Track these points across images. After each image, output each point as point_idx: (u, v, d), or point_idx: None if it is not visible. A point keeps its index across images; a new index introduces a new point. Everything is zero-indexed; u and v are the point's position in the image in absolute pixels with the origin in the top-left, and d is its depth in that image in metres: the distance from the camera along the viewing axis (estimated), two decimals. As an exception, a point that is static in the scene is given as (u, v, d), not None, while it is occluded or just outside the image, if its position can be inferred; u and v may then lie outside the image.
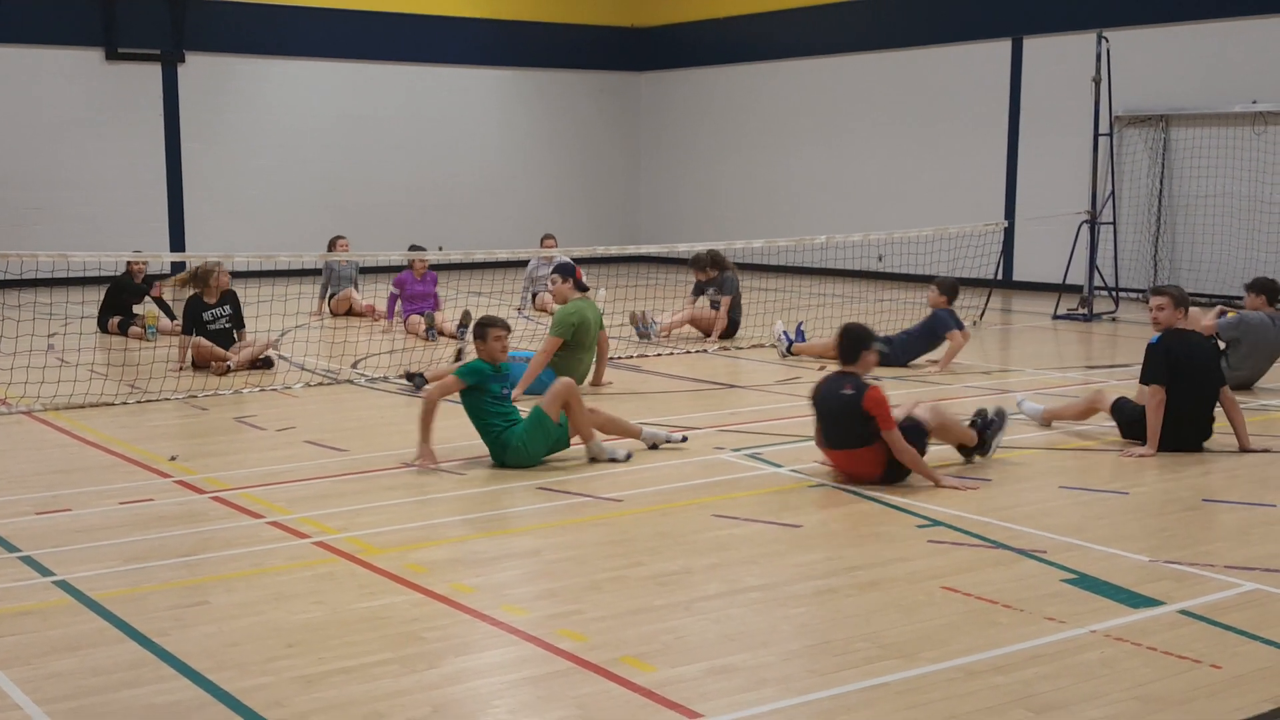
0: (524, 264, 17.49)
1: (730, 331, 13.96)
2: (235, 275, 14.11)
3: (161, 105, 21.47)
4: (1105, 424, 8.95)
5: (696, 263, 14.30)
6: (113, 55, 21.03)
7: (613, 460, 8.11)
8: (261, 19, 22.24)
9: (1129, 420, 8.58)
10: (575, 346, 10.47)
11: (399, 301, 14.90)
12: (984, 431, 8.07)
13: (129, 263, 14.71)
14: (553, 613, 5.39)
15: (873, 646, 4.98)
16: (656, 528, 6.68)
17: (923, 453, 7.55)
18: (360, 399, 10.58)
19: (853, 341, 7.64)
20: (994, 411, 8.19)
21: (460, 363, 9.94)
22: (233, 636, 5.12)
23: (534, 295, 17.06)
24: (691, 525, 6.74)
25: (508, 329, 8.18)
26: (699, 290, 14.36)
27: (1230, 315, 10.93)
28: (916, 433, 7.58)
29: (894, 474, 7.50)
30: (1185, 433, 8.36)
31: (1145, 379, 8.40)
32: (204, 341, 11.82)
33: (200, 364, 11.77)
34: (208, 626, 5.23)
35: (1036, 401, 9.57)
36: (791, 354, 12.50)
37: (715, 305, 14.06)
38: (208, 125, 21.84)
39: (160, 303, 14.73)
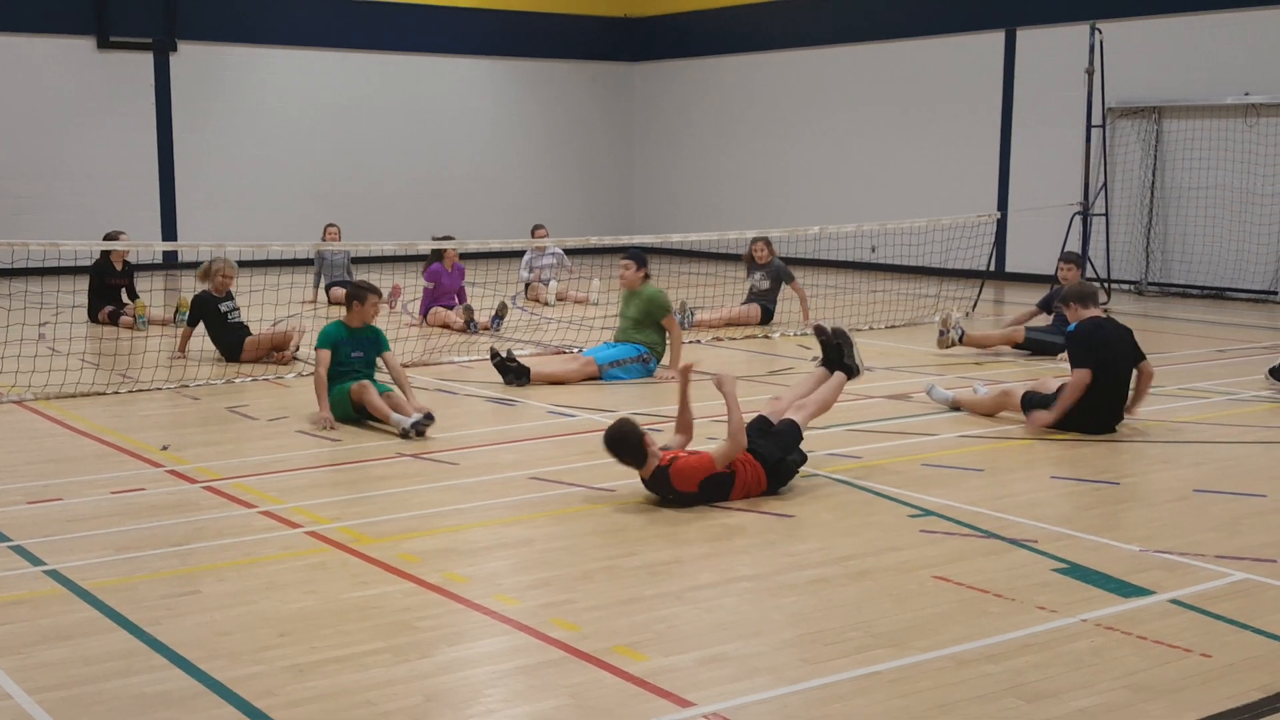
0: (517, 254, 17.47)
1: (765, 319, 14.24)
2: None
3: (153, 94, 21.40)
4: (1016, 421, 8.94)
5: (753, 245, 14.59)
6: (104, 44, 20.95)
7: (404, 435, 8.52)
8: (254, 7, 22.17)
9: (1039, 408, 8.71)
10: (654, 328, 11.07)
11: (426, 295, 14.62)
12: (839, 362, 7.96)
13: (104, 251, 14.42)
14: (545, 602, 5.39)
15: (864, 636, 4.99)
16: (649, 517, 6.69)
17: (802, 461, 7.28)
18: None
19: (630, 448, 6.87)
20: (831, 330, 8.05)
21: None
22: (224, 626, 5.11)
23: (526, 286, 17.06)
24: (683, 515, 6.74)
25: (380, 295, 9.23)
26: (750, 268, 14.57)
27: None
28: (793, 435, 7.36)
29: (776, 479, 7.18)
30: (1103, 415, 8.61)
31: (1075, 364, 8.66)
32: (261, 333, 11.87)
33: (251, 358, 11.68)
34: (199, 616, 5.23)
35: (946, 389, 9.59)
36: (963, 343, 12.22)
37: (759, 292, 14.38)
38: (200, 114, 21.77)
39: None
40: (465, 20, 24.06)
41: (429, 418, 8.57)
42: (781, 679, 4.58)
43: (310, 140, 22.71)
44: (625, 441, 6.80)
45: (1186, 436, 8.60)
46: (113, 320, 14.23)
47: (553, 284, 16.61)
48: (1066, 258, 12.45)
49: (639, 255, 11.14)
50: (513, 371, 10.55)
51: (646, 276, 11.14)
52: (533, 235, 16.78)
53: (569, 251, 17.76)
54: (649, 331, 11.04)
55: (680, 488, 6.77)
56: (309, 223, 20.38)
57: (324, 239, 16.13)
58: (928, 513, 6.73)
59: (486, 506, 7.00)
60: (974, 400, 9.37)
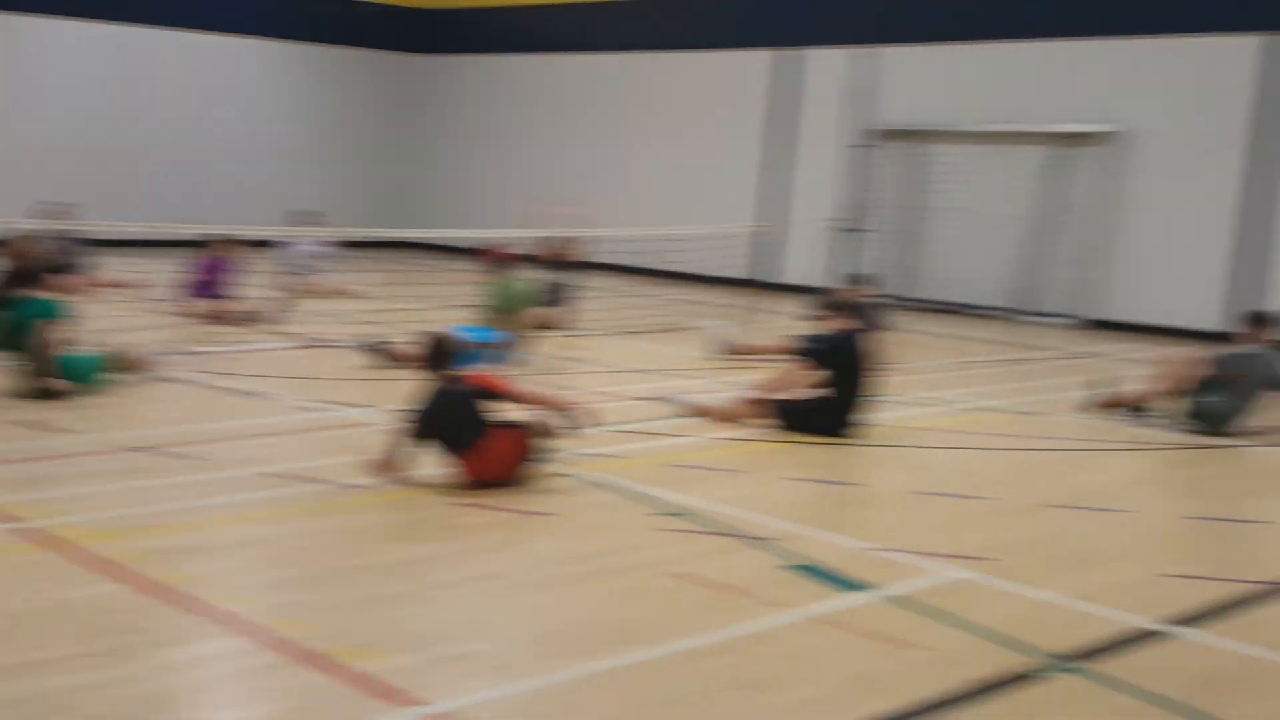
0: (287, 244, 17.10)
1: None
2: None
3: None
4: (764, 425, 9.26)
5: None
6: None
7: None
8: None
9: (787, 415, 9.12)
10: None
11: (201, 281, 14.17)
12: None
13: None
14: (276, 602, 5.30)
15: (602, 633, 5.15)
16: (393, 516, 6.70)
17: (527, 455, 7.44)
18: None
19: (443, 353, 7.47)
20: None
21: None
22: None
23: (293, 276, 16.74)
24: (430, 513, 6.77)
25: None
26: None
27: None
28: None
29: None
30: (843, 421, 9.05)
31: (802, 356, 9.17)
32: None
33: None
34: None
35: (694, 396, 9.79)
36: (730, 354, 12.42)
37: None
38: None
39: None
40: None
41: None
42: (519, 676, 4.68)
43: (72, 116, 21.66)
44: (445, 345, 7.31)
45: (919, 441, 9.13)
46: None
47: (318, 275, 16.36)
48: (855, 279, 12.75)
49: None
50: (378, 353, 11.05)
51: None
52: (302, 224, 16.50)
53: (346, 244, 17.49)
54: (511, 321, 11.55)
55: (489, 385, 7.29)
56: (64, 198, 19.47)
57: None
58: (674, 512, 6.96)
59: (221, 504, 6.75)
60: (716, 408, 9.58)
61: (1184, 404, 9.82)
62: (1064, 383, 12.26)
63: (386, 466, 7.18)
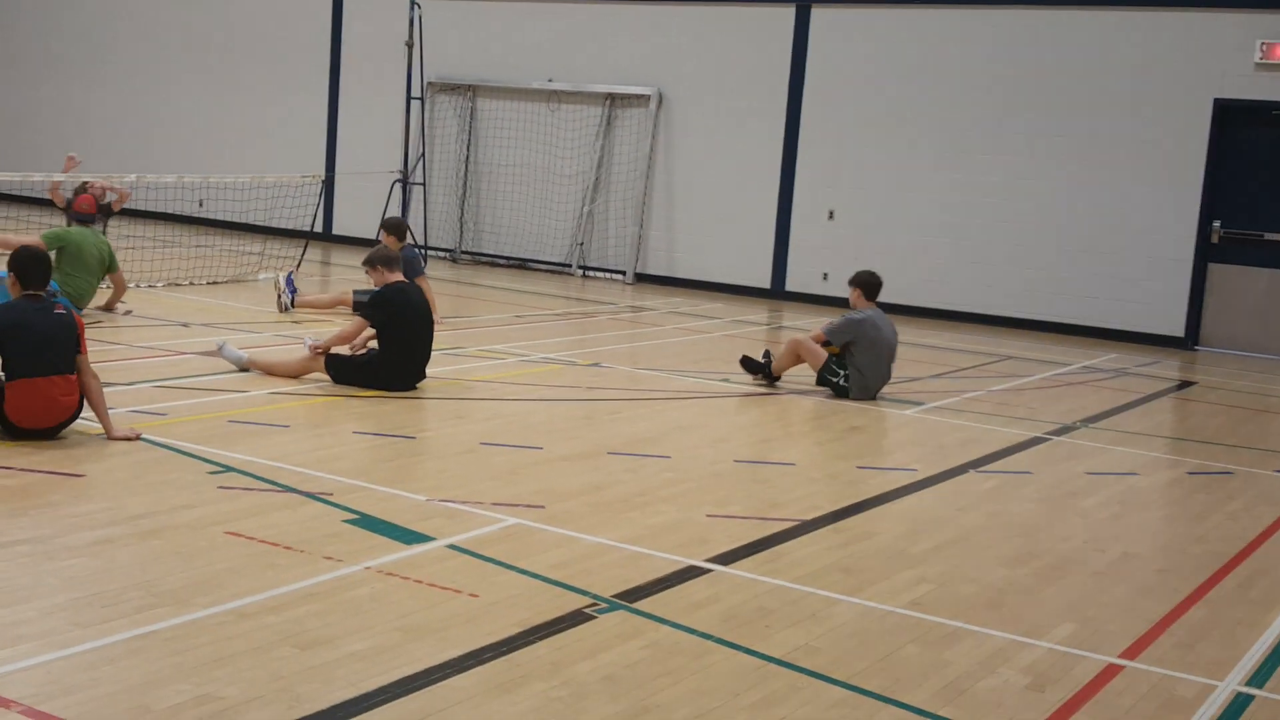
0: None
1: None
2: None
3: None
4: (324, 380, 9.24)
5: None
6: None
7: None
8: None
9: (338, 369, 9.12)
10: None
11: None
12: None
13: None
14: None
15: (145, 595, 4.92)
16: (-88, 482, 6.11)
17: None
18: None
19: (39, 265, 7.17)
20: None
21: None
22: None
23: None
24: (-46, 478, 6.23)
25: None
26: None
27: (835, 320, 10.31)
28: None
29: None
30: (405, 373, 9.12)
31: (368, 321, 9.21)
32: None
33: None
34: None
35: (240, 349, 9.62)
36: (294, 307, 12.25)
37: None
38: None
39: None
40: None
41: None
42: (49, 645, 4.40)
43: None
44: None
45: (480, 394, 9.28)
46: None
47: None
48: (386, 225, 12.78)
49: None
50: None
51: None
52: None
53: None
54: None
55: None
56: None
57: None
58: (228, 469, 6.74)
59: None
60: (270, 363, 9.38)
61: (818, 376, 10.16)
62: (617, 335, 12.83)
63: None
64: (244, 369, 9.33)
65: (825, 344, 10.11)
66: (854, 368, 10.02)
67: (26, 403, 6.86)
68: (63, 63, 22.20)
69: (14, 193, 21.51)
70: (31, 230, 15.17)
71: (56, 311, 7.06)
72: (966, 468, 8.15)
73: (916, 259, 16.02)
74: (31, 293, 7.05)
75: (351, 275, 15.88)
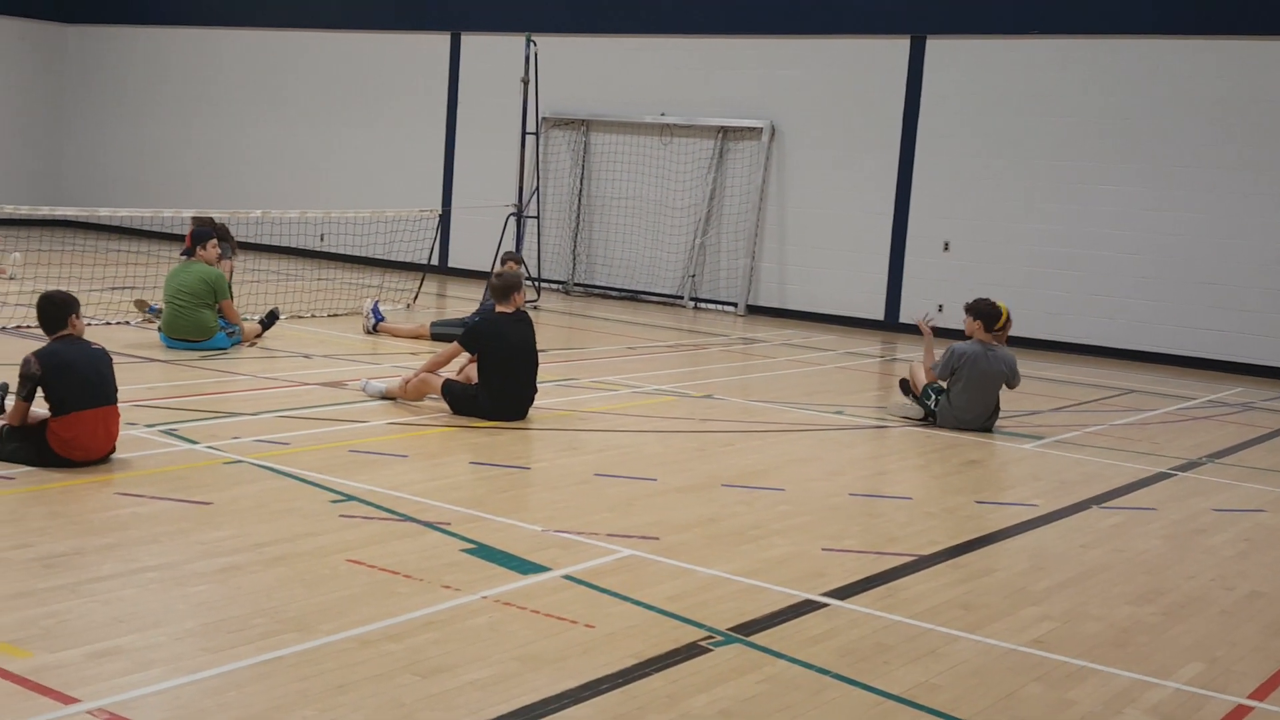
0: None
1: None
2: None
3: None
4: (442, 409, 9.38)
5: None
6: None
7: None
8: None
9: (457, 399, 9.26)
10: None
11: None
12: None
13: None
14: (-80, 600, 4.97)
15: (271, 622, 5.02)
16: (50, 507, 6.33)
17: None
18: None
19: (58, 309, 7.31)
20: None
21: None
22: None
23: None
24: (91, 504, 6.44)
25: None
26: None
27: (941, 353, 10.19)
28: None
29: None
30: (513, 405, 9.24)
31: (463, 346, 9.37)
32: None
33: None
34: None
35: (380, 381, 9.88)
36: (376, 331, 12.86)
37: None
38: None
39: None
40: None
41: None
42: (178, 670, 4.51)
43: None
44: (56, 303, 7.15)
45: (592, 425, 9.33)
46: None
47: None
48: (507, 256, 13.00)
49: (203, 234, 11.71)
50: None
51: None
52: None
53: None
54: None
55: None
56: None
57: None
58: (349, 498, 6.86)
59: None
60: (399, 389, 9.62)
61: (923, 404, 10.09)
62: (729, 367, 12.82)
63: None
64: (386, 398, 9.53)
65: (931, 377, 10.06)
66: (947, 398, 9.90)
67: (77, 434, 7.03)
68: (190, 103, 22.94)
69: (145, 228, 22.26)
70: (159, 264, 15.68)
71: (94, 347, 7.29)
72: (1089, 503, 7.97)
73: (1034, 290, 15.76)
74: (62, 334, 7.22)
75: (468, 306, 16.12)
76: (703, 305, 17.99)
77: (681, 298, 18.16)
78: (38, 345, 7.20)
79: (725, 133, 17.91)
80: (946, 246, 16.42)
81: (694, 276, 18.11)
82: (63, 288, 7.84)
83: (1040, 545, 6.98)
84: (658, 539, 6.50)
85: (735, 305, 17.74)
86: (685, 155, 18.25)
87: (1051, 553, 6.82)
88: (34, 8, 23.70)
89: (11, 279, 15.08)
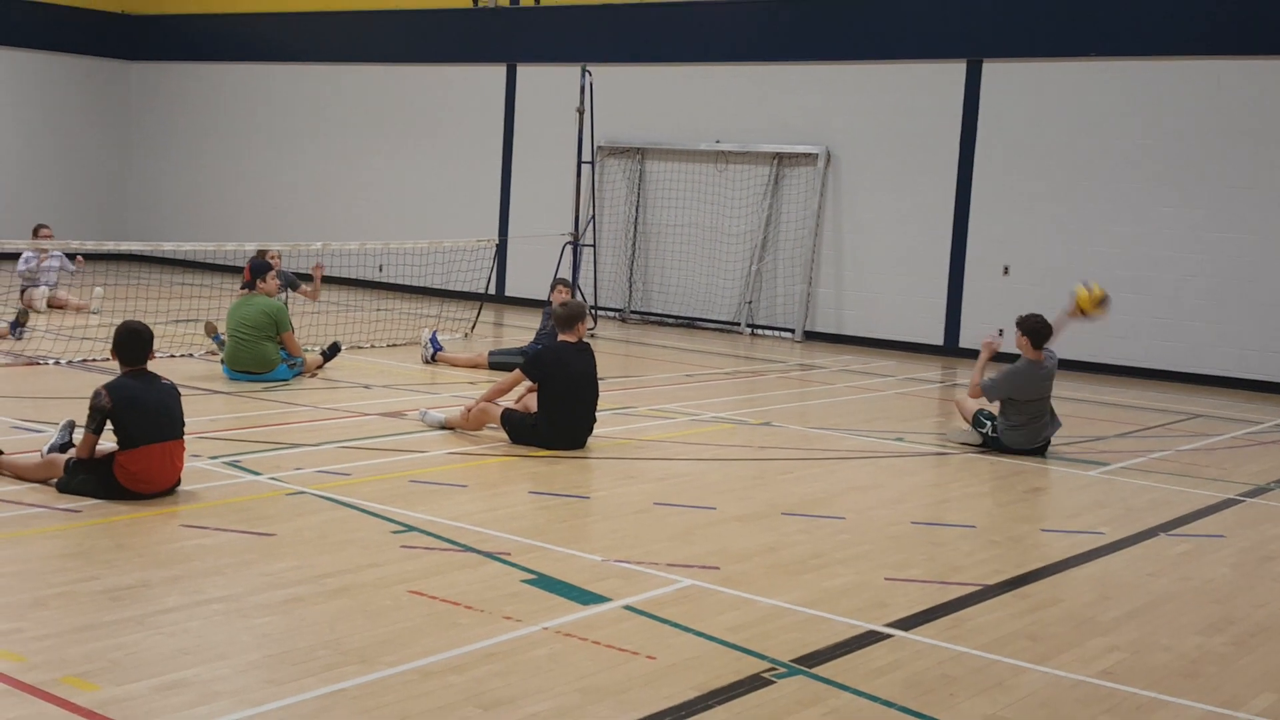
0: (23, 256, 16.12)
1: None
2: None
3: None
4: (502, 439, 9.39)
5: None
6: None
7: None
8: None
9: (516, 428, 9.28)
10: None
11: None
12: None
13: None
14: (-10, 632, 5.04)
15: (333, 653, 5.04)
16: (117, 539, 6.40)
17: None
18: None
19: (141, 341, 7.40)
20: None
21: None
22: None
23: (23, 290, 15.76)
24: (157, 536, 6.51)
25: None
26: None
27: (992, 375, 10.08)
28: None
29: None
30: (572, 433, 9.23)
31: (520, 368, 9.41)
32: None
33: None
34: None
35: (439, 411, 9.93)
36: (434, 361, 12.99)
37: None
38: None
39: None
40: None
41: None
42: (243, 702, 4.54)
43: None
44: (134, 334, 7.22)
45: (652, 454, 9.32)
46: None
47: (44, 290, 15.53)
48: (559, 283, 13.09)
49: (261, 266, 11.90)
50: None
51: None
52: (35, 236, 15.59)
53: (68, 256, 16.58)
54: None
55: None
56: None
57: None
58: (410, 528, 6.89)
59: (-70, 531, 6.42)
60: (459, 419, 9.63)
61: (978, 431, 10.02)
62: (787, 394, 12.76)
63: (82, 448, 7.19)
64: (446, 428, 9.59)
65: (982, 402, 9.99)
66: (1007, 421, 9.78)
67: (145, 467, 7.10)
68: (249, 137, 23.26)
69: (206, 261, 22.58)
70: (222, 296, 15.90)
71: (163, 382, 7.38)
72: (1156, 531, 7.84)
73: (1096, 313, 15.56)
74: (134, 369, 7.31)
75: (525, 335, 16.20)
76: (760, 332, 17.95)
77: (738, 324, 18.13)
78: (108, 378, 7.31)
79: (780, 159, 17.90)
80: (1006, 270, 16.28)
81: (750, 303, 18.08)
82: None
83: (1107, 574, 6.87)
84: (718, 568, 6.47)
85: (792, 331, 17.68)
86: (740, 182, 18.25)
87: (1118, 582, 6.71)
88: (97, 47, 24.16)
89: (95, 313, 15.36)
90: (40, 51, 23.36)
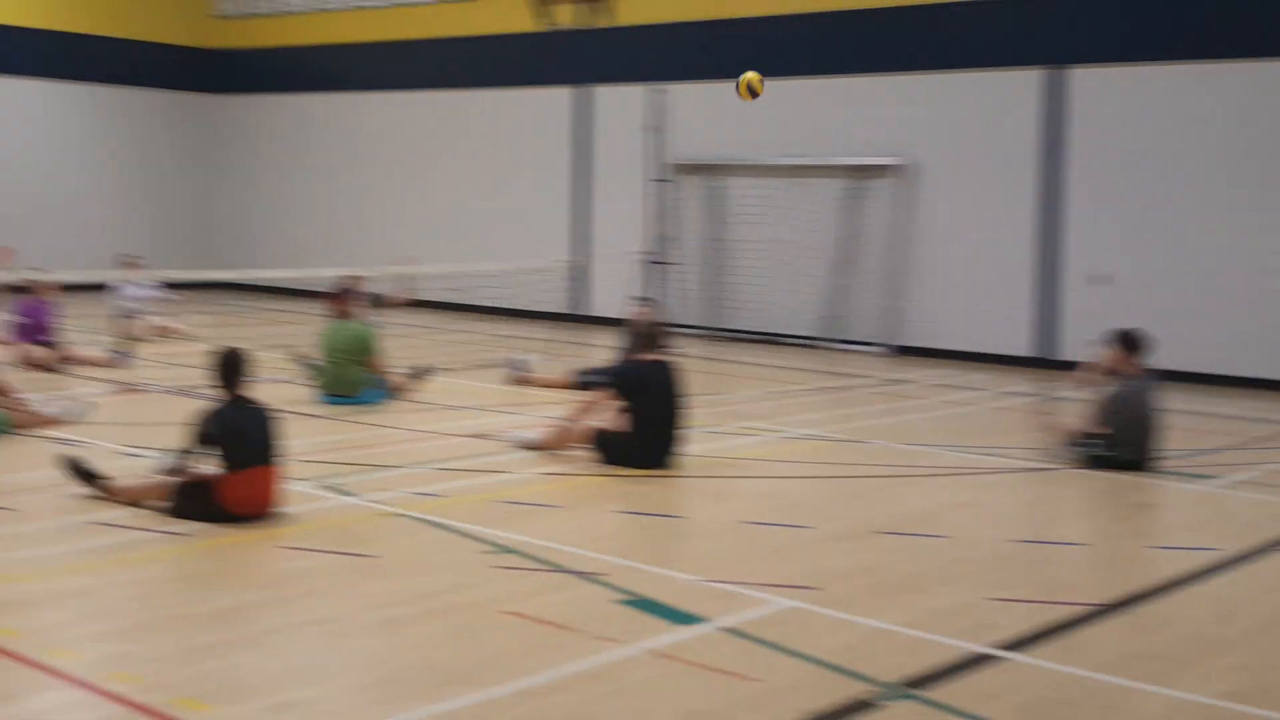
0: (98, 287, 16.49)
1: None
2: None
3: None
4: (589, 458, 9.30)
5: None
6: None
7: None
8: None
9: (605, 448, 9.22)
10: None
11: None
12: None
13: None
14: (106, 654, 5.12)
15: (436, 674, 5.03)
16: (222, 562, 6.47)
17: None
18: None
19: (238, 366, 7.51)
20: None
21: None
22: None
23: (124, 319, 16.09)
24: (259, 558, 6.57)
25: None
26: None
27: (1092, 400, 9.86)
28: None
29: None
30: (655, 452, 9.14)
31: (607, 387, 9.38)
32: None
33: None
34: None
35: (526, 431, 9.92)
36: (519, 382, 12.98)
37: None
38: None
39: None
40: (28, 41, 22.48)
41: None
42: (351, 723, 4.55)
43: None
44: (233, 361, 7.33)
45: (741, 472, 9.23)
46: None
47: (143, 319, 15.84)
48: (640, 301, 13.06)
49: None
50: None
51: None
52: (129, 267, 15.93)
53: (167, 286, 16.93)
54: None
55: None
56: None
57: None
58: (504, 549, 6.88)
59: (46, 555, 6.56)
60: (546, 439, 9.64)
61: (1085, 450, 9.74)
62: (877, 410, 12.60)
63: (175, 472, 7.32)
64: (533, 448, 9.59)
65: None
66: (1111, 440, 9.54)
67: (247, 491, 7.19)
68: (331, 165, 23.54)
69: (294, 288, 22.85)
70: (310, 322, 16.08)
71: (262, 407, 7.46)
72: (1273, 546, 7.59)
73: (1196, 323, 15.17)
74: (233, 395, 7.38)
75: (607, 354, 16.18)
76: (845, 347, 17.78)
77: (822, 339, 17.98)
78: (208, 404, 7.39)
79: (860, 171, 17.75)
80: (1105, 280, 15.94)
81: (834, 318, 17.92)
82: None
83: (1223, 592, 6.66)
84: (817, 589, 6.37)
85: (879, 346, 17.49)
86: (819, 195, 18.10)
87: (1236, 599, 6.50)
88: (187, 80, 24.66)
89: (193, 340, 15.62)
90: (131, 87, 23.88)
